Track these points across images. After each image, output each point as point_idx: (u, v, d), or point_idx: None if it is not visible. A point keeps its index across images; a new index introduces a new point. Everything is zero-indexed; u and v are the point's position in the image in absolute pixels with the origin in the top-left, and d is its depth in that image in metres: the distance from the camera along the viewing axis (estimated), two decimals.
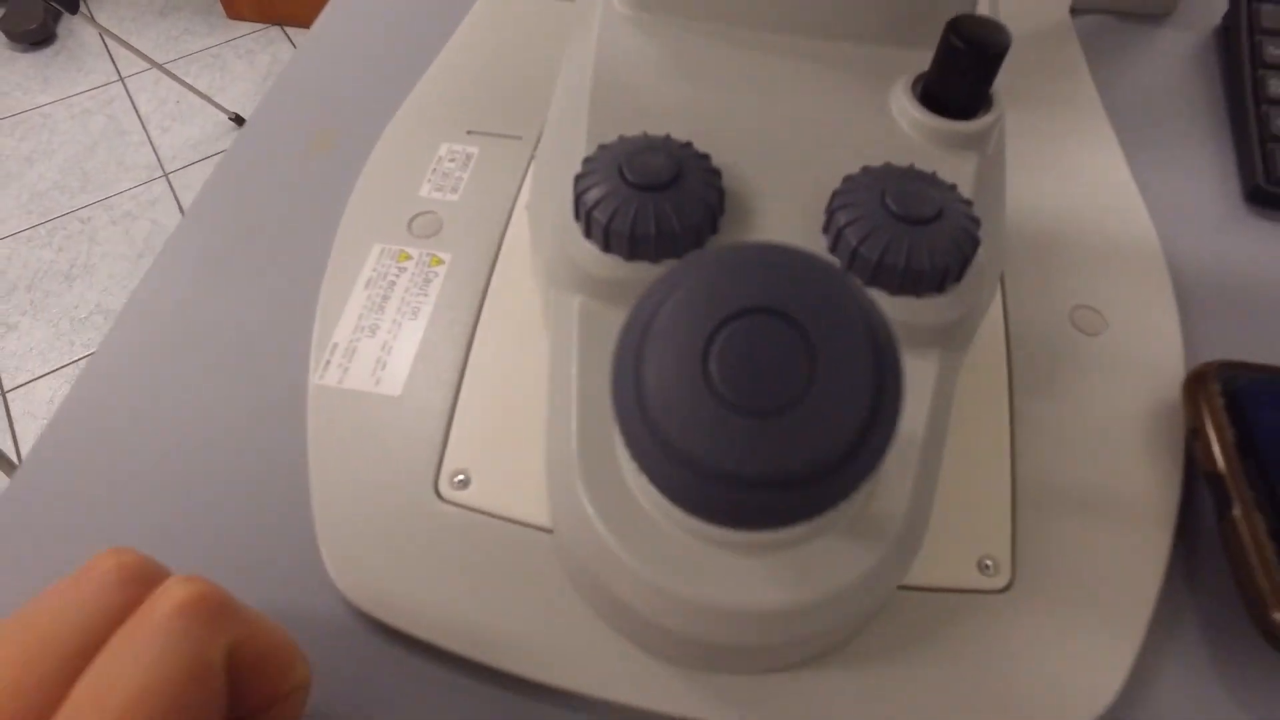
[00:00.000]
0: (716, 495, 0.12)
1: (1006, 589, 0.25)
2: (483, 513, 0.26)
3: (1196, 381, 0.28)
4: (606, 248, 0.24)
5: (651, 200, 0.23)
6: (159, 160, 1.59)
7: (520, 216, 0.33)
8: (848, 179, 0.24)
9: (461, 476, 0.27)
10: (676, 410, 0.11)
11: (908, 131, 0.27)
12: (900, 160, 0.25)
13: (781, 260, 0.12)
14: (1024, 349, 0.29)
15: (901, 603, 0.24)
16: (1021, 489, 0.26)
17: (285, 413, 0.29)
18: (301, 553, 0.26)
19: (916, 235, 0.23)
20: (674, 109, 0.27)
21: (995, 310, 0.30)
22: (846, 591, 0.21)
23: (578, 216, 0.24)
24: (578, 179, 0.24)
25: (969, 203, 0.24)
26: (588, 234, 0.24)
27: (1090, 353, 0.30)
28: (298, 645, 0.21)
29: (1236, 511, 0.25)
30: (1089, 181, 0.35)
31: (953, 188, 0.24)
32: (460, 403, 0.28)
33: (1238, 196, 0.35)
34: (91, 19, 1.54)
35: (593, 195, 0.24)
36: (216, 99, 1.62)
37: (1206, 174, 0.36)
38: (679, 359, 0.11)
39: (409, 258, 0.32)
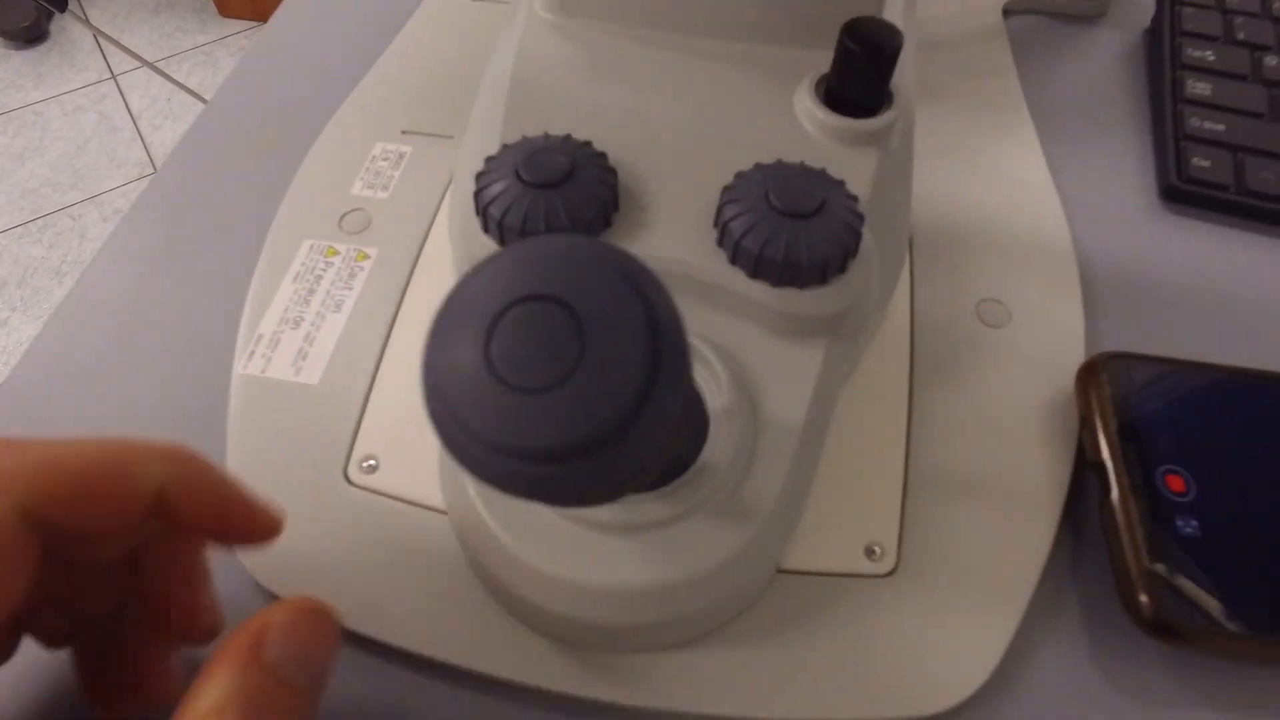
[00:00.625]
0: (503, 468, 0.13)
1: (891, 574, 0.26)
2: (388, 496, 0.27)
3: (1087, 372, 0.28)
4: (502, 242, 0.25)
5: (544, 197, 0.24)
6: (150, 158, 1.60)
7: (445, 213, 0.34)
8: (739, 175, 0.25)
9: (371, 461, 0.28)
10: (462, 389, 0.12)
11: (810, 130, 0.28)
12: (800, 158, 0.26)
13: (566, 251, 0.13)
14: (927, 341, 0.30)
15: (787, 586, 0.25)
16: (914, 477, 0.27)
17: (211, 402, 0.30)
18: None
19: (797, 229, 0.24)
20: (584, 110, 0.28)
21: (902, 303, 0.31)
22: (715, 571, 0.22)
23: (477, 212, 0.25)
24: (478, 176, 0.25)
25: (854, 198, 0.25)
26: (485, 229, 0.25)
27: (993, 345, 0.30)
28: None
29: (1113, 497, 0.26)
30: (1006, 179, 0.35)
31: (840, 184, 0.25)
32: (375, 391, 0.29)
33: (1154, 194, 0.36)
34: (84, 18, 1.55)
35: (490, 192, 0.25)
36: (209, 97, 1.63)
37: (1127, 172, 0.37)
38: (465, 344, 0.12)
39: (336, 253, 0.33)
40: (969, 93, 0.39)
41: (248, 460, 0.28)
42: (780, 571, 0.25)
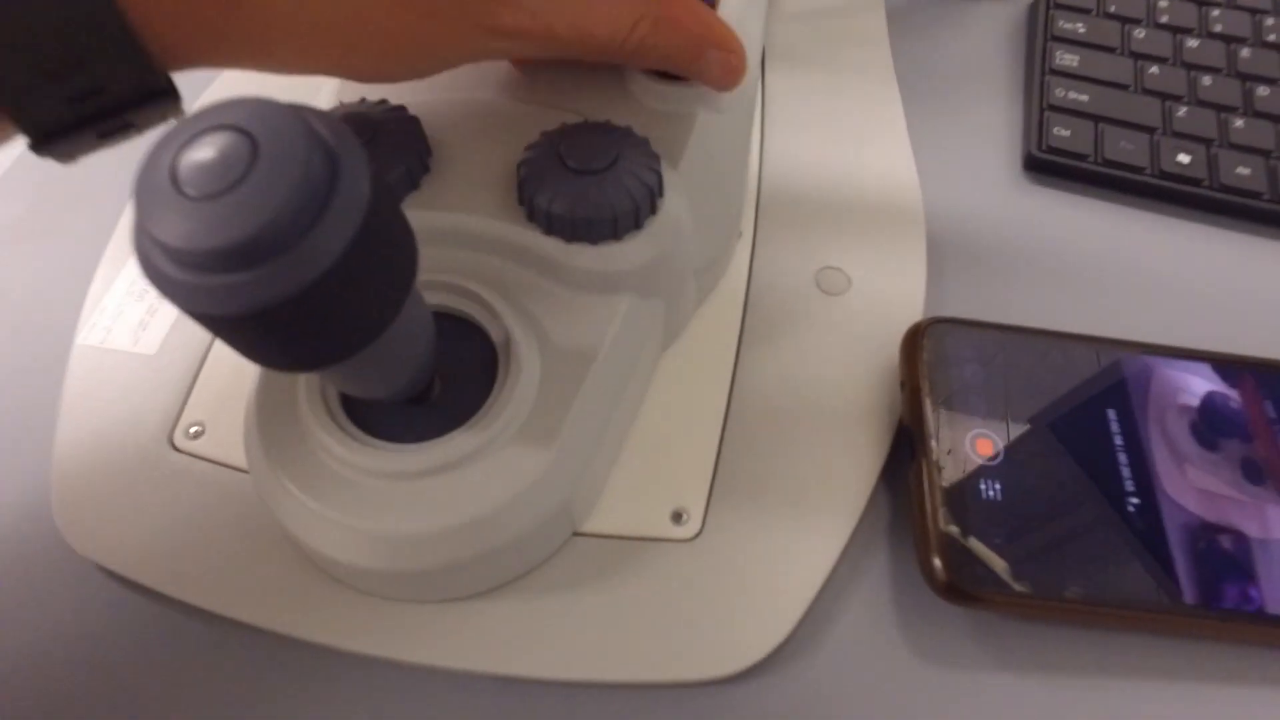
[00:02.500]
0: (195, 283, 0.14)
1: (695, 538, 0.26)
2: (210, 461, 0.27)
3: (911, 338, 0.28)
4: None
5: None
6: None
7: None
8: (543, 134, 0.25)
9: (197, 428, 0.28)
10: (152, 206, 0.14)
11: (636, 95, 0.28)
12: (619, 119, 0.26)
13: (249, 100, 0.14)
14: (761, 307, 0.30)
15: (590, 548, 0.25)
16: (730, 444, 0.27)
17: (51, 373, 0.30)
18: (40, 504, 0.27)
19: (584, 184, 0.24)
20: None
21: (740, 268, 0.31)
22: (507, 505, 0.22)
23: None
24: None
25: (654, 155, 0.25)
26: None
27: (828, 312, 0.30)
28: None
29: (919, 460, 0.26)
30: (865, 147, 0.35)
31: (642, 142, 0.25)
32: (209, 361, 0.29)
33: (1018, 165, 0.36)
34: None
35: None
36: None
37: (994, 143, 0.37)
38: (155, 169, 0.14)
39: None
40: (839, 61, 0.39)
41: (78, 429, 0.28)
42: (585, 535, 0.26)
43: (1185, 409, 0.27)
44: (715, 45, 0.25)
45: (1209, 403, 0.27)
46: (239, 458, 0.27)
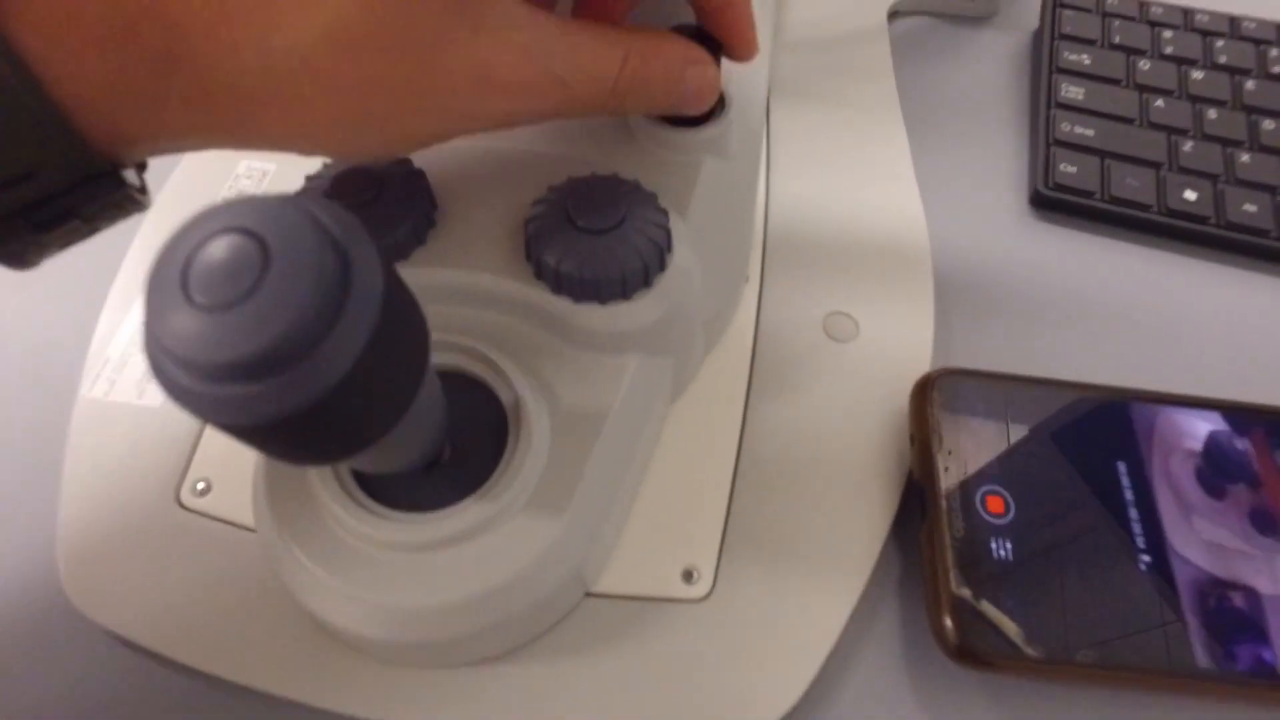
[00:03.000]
0: (206, 392, 0.13)
1: (706, 598, 0.26)
2: (217, 519, 0.27)
3: (920, 390, 0.28)
4: None
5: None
6: None
7: None
8: (551, 189, 0.25)
9: (203, 484, 0.28)
10: (162, 313, 0.13)
11: (642, 141, 0.28)
12: (626, 168, 0.26)
13: (259, 199, 0.14)
14: (770, 355, 0.30)
15: (599, 609, 0.25)
16: (739, 498, 0.27)
17: (55, 426, 0.30)
18: (46, 566, 0.27)
19: (593, 243, 0.24)
20: None
21: (748, 314, 0.31)
22: (519, 576, 0.22)
23: None
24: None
25: (662, 211, 0.24)
26: None
27: (837, 360, 0.30)
28: None
29: (929, 519, 0.26)
30: (870, 186, 0.35)
31: (650, 197, 0.25)
32: None
33: (1024, 201, 0.36)
34: None
35: None
36: None
37: (1000, 178, 0.37)
38: (164, 274, 0.13)
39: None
40: (843, 96, 0.38)
41: (83, 484, 0.28)
42: (594, 595, 0.26)
43: (1192, 458, 0.27)
44: (692, 62, 0.24)
45: (1217, 452, 0.27)
46: (247, 515, 0.27)
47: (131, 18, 0.16)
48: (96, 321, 0.32)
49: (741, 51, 0.26)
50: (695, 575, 0.26)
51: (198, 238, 0.14)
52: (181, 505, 0.27)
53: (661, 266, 0.25)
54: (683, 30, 0.25)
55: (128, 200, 0.19)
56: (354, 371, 0.14)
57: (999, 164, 0.37)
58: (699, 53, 0.24)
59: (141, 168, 0.20)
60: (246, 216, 0.14)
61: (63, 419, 0.29)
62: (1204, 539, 0.26)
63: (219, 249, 0.13)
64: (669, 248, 0.25)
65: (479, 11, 0.19)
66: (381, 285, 0.14)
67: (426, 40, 0.18)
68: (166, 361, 0.14)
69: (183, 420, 0.29)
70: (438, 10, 0.18)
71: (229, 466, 0.28)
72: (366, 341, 0.14)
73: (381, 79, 0.18)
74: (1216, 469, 0.27)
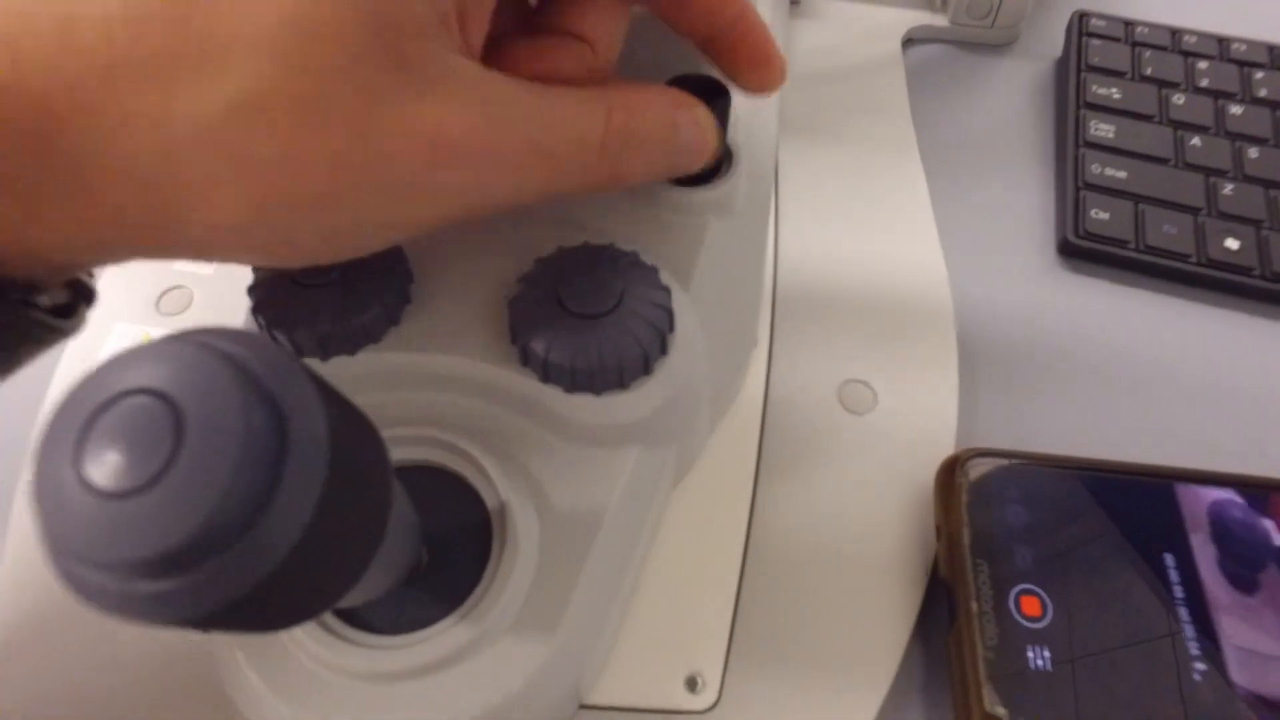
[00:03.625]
0: (118, 589, 0.11)
1: (712, 709, 0.23)
2: None
3: (945, 474, 0.26)
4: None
5: (317, 296, 0.22)
6: None
7: None
8: (538, 262, 0.23)
9: None
10: (55, 505, 0.11)
11: (642, 202, 0.25)
12: (624, 233, 0.23)
13: (175, 345, 0.11)
14: (780, 429, 0.28)
15: None
16: (747, 596, 0.25)
17: None
18: None
19: (585, 330, 0.21)
20: None
21: (757, 382, 0.29)
22: (502, 706, 0.20)
23: (252, 313, 0.23)
24: (251, 286, 0.23)
25: (664, 289, 0.22)
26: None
27: (853, 434, 0.28)
28: None
29: (958, 628, 0.23)
30: (887, 235, 0.33)
31: (650, 271, 0.22)
32: None
33: (1052, 249, 0.34)
34: None
35: (258, 294, 0.23)
36: None
37: (1025, 224, 0.34)
38: (59, 451, 0.11)
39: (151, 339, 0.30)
40: (856, 132, 0.36)
41: (28, 565, 0.26)
42: (592, 708, 0.23)
43: (1254, 551, 0.25)
44: (681, 107, 0.21)
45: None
46: None
47: None
48: (38, 389, 0.29)
49: (766, 75, 0.23)
50: (700, 683, 0.24)
51: (95, 402, 0.11)
52: None
53: (663, 350, 0.22)
54: (684, 83, 0.23)
55: (34, 325, 0.16)
56: (299, 547, 0.12)
57: (1023, 207, 0.35)
58: (688, 98, 0.22)
59: (78, 288, 0.17)
60: (153, 372, 0.11)
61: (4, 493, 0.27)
62: (1261, 650, 0.23)
63: (120, 417, 0.11)
64: (671, 328, 0.22)
65: (423, 70, 0.16)
66: (326, 436, 0.12)
67: (359, 103, 0.15)
68: (62, 556, 0.11)
69: None
70: (371, 68, 0.15)
71: None
72: (314, 508, 0.12)
73: (308, 152, 0.15)
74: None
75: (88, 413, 0.11)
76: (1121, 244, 0.32)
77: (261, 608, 0.12)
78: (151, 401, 0.11)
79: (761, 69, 0.23)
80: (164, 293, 0.31)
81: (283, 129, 0.15)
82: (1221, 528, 0.25)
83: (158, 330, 0.30)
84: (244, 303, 0.28)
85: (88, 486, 0.11)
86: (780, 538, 0.26)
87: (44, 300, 0.16)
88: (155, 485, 0.11)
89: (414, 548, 0.19)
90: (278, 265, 0.18)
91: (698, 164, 0.23)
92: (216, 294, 0.31)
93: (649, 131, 0.20)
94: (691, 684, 0.24)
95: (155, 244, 0.16)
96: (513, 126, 0.17)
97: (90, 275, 0.18)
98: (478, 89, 0.17)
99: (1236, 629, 0.23)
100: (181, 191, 0.15)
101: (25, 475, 0.28)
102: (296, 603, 0.13)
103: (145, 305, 0.31)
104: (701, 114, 0.22)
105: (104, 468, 0.11)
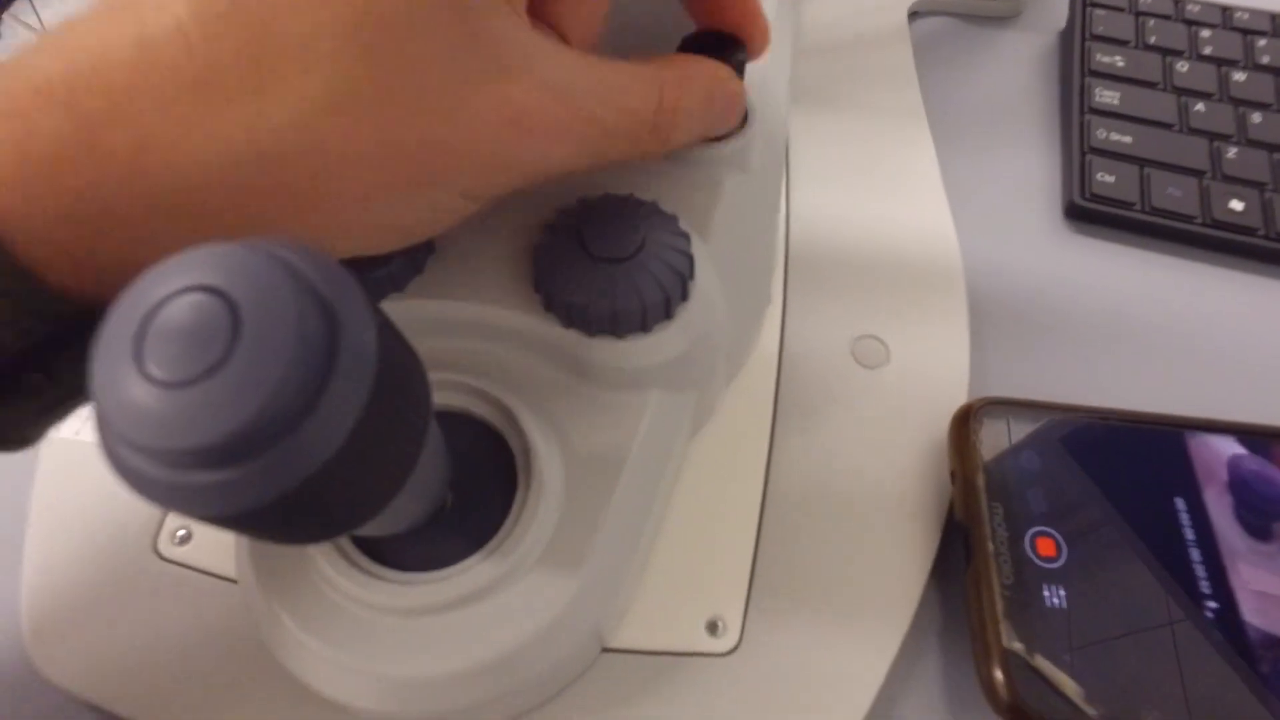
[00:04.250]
0: (170, 480, 0.12)
1: (733, 651, 0.24)
2: (199, 570, 0.25)
3: (960, 422, 0.26)
4: None
5: None
6: None
7: None
8: (560, 212, 0.23)
9: (183, 532, 0.26)
10: (113, 391, 0.11)
11: (657, 159, 0.26)
12: (641, 186, 0.23)
13: (223, 249, 0.12)
14: (796, 384, 0.28)
15: (619, 666, 0.23)
16: (766, 542, 0.25)
17: (20, 466, 0.28)
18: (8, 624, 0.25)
19: (611, 274, 0.21)
20: None
21: (771, 339, 0.29)
22: (530, 642, 0.20)
23: None
24: None
25: (683, 235, 0.22)
26: None
27: (867, 388, 0.28)
28: None
29: (975, 567, 0.24)
30: (898, 199, 0.33)
31: (670, 220, 0.23)
32: None
33: (1058, 212, 0.34)
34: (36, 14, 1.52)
35: None
36: None
37: (1032, 187, 0.35)
38: (114, 344, 0.11)
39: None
40: (865, 101, 0.36)
41: (51, 532, 0.26)
42: (614, 651, 0.23)
43: (1261, 498, 0.25)
44: (720, 81, 0.22)
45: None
46: (228, 566, 0.25)
47: (92, 122, 0.14)
48: None
49: (758, 40, 0.24)
50: (721, 626, 0.24)
51: (154, 299, 0.12)
52: (159, 555, 0.25)
53: (684, 296, 0.22)
54: (695, 41, 0.23)
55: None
56: (344, 450, 0.12)
57: (1030, 172, 0.35)
58: (724, 70, 0.23)
59: None
60: (212, 271, 0.12)
61: (29, 460, 0.27)
62: (1268, 591, 0.24)
63: (179, 312, 0.11)
64: (691, 275, 0.22)
65: (496, 48, 0.16)
66: (375, 345, 0.12)
67: (447, 89, 0.16)
68: (119, 445, 0.12)
69: None
70: (451, 51, 0.15)
71: None
72: (358, 416, 0.12)
73: (403, 141, 0.15)
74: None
75: (149, 307, 0.12)
76: (1127, 206, 0.32)
77: (301, 511, 0.13)
78: (209, 299, 0.11)
79: (754, 37, 0.24)
80: None
81: (378, 122, 0.15)
82: (1234, 476, 0.25)
83: None
84: None
85: (146, 376, 0.11)
86: (798, 485, 0.26)
87: None
88: (210, 377, 0.11)
89: (442, 481, 0.20)
90: (379, 251, 0.18)
91: (727, 129, 0.24)
92: None
93: (693, 106, 0.21)
94: (713, 628, 0.24)
95: None
96: (577, 100, 0.18)
97: None
98: (547, 64, 0.17)
99: (1245, 570, 0.24)
100: (281, 195, 0.15)
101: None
102: (333, 511, 0.14)
103: None
104: (735, 85, 0.23)
105: (161, 359, 0.11)
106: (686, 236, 0.22)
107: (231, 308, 0.11)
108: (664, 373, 0.23)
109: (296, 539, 0.15)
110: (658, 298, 0.22)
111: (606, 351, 0.22)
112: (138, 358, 0.11)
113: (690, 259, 0.22)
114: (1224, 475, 0.26)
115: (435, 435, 0.18)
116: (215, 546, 0.25)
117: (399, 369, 0.13)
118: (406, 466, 0.15)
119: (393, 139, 0.15)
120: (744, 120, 0.26)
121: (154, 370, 0.11)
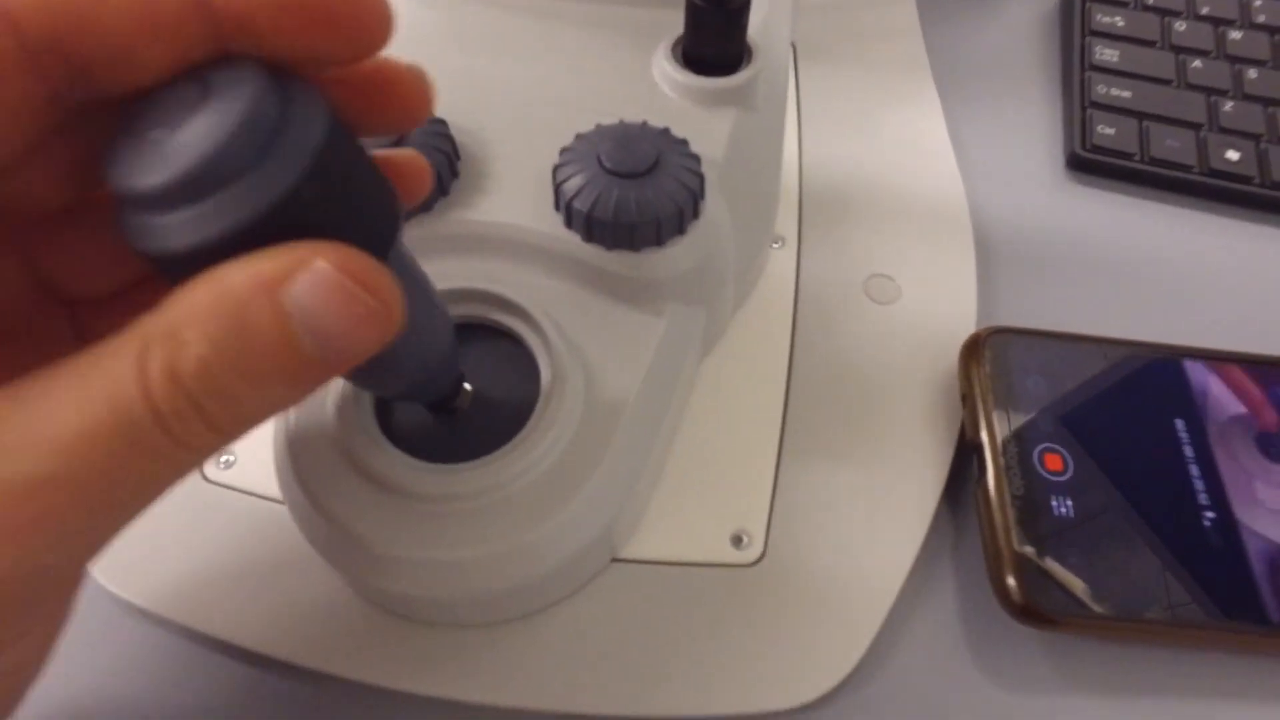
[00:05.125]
0: (144, 220, 0.14)
1: (757, 563, 0.25)
2: (244, 492, 0.26)
3: (970, 349, 0.27)
4: None
5: None
6: None
7: None
8: (578, 137, 0.24)
9: (229, 457, 0.27)
10: (115, 157, 0.14)
11: (667, 92, 0.27)
12: (652, 118, 0.25)
13: (231, 58, 0.15)
14: (812, 317, 0.29)
15: (648, 575, 0.24)
16: (787, 461, 0.26)
17: None
18: None
19: (628, 189, 0.23)
20: (437, 78, 0.27)
21: (787, 276, 0.30)
22: (544, 536, 0.21)
23: None
24: None
25: (694, 157, 0.24)
26: None
27: (881, 322, 0.29)
28: None
29: (987, 478, 0.25)
30: (905, 146, 0.34)
31: (681, 142, 0.24)
32: None
33: (1060, 163, 0.35)
34: None
35: None
36: None
37: (1034, 140, 0.36)
38: (127, 132, 0.14)
39: None
40: (871, 54, 0.37)
41: None
42: (644, 562, 0.25)
43: (1249, 419, 0.26)
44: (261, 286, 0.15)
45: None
46: (274, 488, 0.26)
47: None
48: None
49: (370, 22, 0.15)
50: (745, 539, 0.25)
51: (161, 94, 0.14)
52: (206, 479, 0.26)
53: (696, 213, 0.24)
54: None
55: None
56: (284, 202, 0.14)
57: (1032, 125, 0.37)
58: (288, 253, 0.14)
59: None
60: (208, 69, 0.14)
61: None
62: (1265, 505, 0.25)
63: (169, 93, 0.14)
64: (702, 193, 0.24)
65: None
66: (322, 132, 0.14)
67: None
68: (130, 209, 0.14)
69: None
70: None
71: (255, 439, 0.27)
72: (299, 174, 0.14)
73: None
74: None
75: (152, 100, 0.14)
76: (1127, 156, 0.34)
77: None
78: (192, 83, 0.14)
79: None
80: None
81: None
82: (1221, 396, 0.27)
83: None
84: None
85: (138, 137, 0.14)
86: (816, 408, 0.27)
87: None
88: (178, 130, 0.14)
89: (444, 340, 0.20)
90: None
91: (375, 340, 0.15)
92: None
93: (214, 355, 0.13)
94: (737, 541, 0.25)
95: None
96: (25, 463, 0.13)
97: None
98: None
99: (1238, 483, 0.25)
100: None
101: None
102: None
103: None
104: (325, 265, 0.14)
105: (153, 124, 0.14)
106: (697, 158, 0.24)
107: (205, 85, 0.14)
108: (678, 285, 0.24)
109: None
110: (672, 211, 0.23)
111: (623, 263, 0.23)
112: (135, 131, 0.14)
113: (701, 178, 0.23)
114: (1237, 404, 0.27)
115: (427, 284, 0.19)
116: (258, 470, 0.26)
117: (348, 164, 0.15)
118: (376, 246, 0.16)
119: None
120: (749, 56, 0.27)
121: (147, 133, 0.14)
